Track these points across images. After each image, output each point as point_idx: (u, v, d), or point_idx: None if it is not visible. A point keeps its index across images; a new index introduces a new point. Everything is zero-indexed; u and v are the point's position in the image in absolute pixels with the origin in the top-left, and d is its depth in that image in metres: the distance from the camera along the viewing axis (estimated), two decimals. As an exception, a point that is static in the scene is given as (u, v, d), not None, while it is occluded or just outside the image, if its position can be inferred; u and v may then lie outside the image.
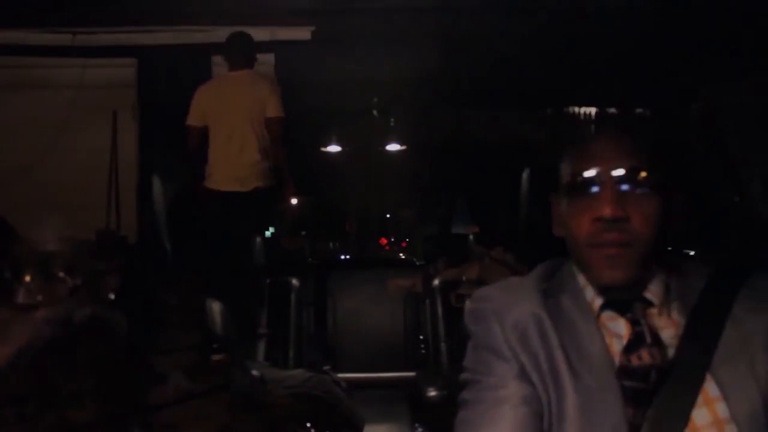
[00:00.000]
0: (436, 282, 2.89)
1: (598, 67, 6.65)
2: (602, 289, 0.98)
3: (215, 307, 4.49)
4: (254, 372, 3.26)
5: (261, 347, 3.61)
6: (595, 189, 0.96)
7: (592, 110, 8.42)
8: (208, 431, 2.87)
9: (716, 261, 1.02)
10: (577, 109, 8.42)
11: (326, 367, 3.44)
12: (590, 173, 0.97)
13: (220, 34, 6.43)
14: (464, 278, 2.85)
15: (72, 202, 6.38)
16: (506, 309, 0.97)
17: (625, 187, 0.95)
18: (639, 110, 8.61)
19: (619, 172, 0.96)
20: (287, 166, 3.94)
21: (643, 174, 0.95)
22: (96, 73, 6.17)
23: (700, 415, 0.89)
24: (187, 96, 7.08)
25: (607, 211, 0.93)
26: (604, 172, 0.97)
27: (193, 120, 3.93)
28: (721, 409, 0.88)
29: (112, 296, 1.79)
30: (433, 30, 5.97)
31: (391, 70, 7.39)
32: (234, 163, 3.74)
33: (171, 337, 4.33)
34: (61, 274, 1.74)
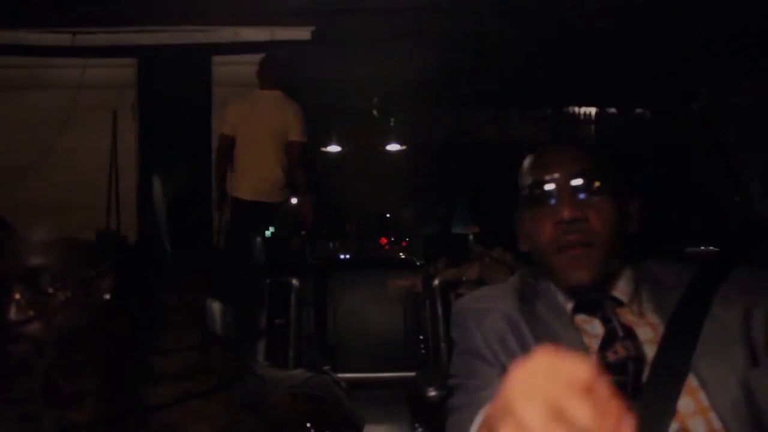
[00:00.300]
0: (436, 282, 2.88)
1: (598, 67, 6.65)
2: (572, 292, 1.00)
3: (215, 307, 4.49)
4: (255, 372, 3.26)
5: (261, 347, 3.61)
6: (553, 195, 1.00)
7: (592, 110, 8.43)
8: (208, 431, 2.87)
9: (699, 261, 1.05)
10: (577, 109, 8.43)
11: (326, 367, 3.43)
12: (549, 181, 1.01)
13: (220, 34, 6.45)
14: (464, 278, 2.85)
15: (72, 202, 6.37)
16: (484, 315, 1.00)
17: (581, 191, 0.99)
18: (639, 110, 8.63)
19: (575, 177, 1.00)
20: (305, 186, 4.22)
21: (598, 181, 0.99)
22: (96, 73, 6.18)
23: (684, 404, 0.91)
24: (187, 96, 7.10)
25: (566, 213, 0.96)
26: (560, 178, 1.01)
27: (225, 129, 4.21)
28: (704, 398, 0.91)
29: (107, 297, 1.78)
30: (433, 30, 5.97)
31: (391, 70, 7.38)
32: (256, 175, 4.07)
33: (171, 337, 4.33)
34: (50, 290, 1.74)
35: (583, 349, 0.98)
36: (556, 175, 1.02)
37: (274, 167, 4.05)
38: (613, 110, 8.52)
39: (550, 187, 1.02)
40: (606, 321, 0.99)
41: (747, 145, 7.34)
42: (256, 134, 4.08)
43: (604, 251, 0.97)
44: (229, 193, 4.28)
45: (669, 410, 0.91)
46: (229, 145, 4.21)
